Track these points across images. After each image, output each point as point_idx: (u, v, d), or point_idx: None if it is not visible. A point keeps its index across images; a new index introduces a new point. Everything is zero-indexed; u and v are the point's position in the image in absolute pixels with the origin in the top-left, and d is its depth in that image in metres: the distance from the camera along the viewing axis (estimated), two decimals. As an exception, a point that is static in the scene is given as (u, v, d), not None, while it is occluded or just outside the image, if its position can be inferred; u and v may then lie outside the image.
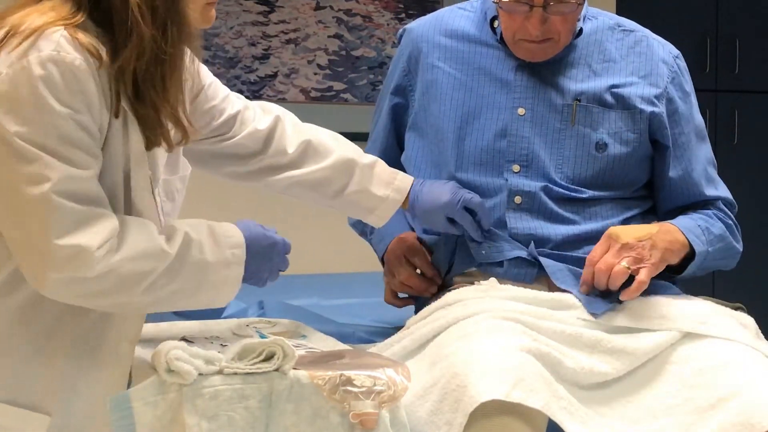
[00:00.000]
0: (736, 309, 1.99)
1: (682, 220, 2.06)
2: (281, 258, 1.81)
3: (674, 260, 2.00)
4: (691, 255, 2.02)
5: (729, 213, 2.13)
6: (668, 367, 1.82)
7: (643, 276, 1.90)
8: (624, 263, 1.91)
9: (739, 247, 2.13)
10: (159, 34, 1.56)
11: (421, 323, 1.89)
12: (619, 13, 4.18)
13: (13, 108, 1.53)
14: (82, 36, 1.56)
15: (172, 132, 1.67)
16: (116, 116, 1.60)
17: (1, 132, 1.53)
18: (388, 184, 2.02)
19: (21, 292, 1.63)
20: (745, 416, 1.69)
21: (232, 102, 1.97)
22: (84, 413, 1.68)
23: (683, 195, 2.11)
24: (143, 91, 1.60)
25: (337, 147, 2.02)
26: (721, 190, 2.15)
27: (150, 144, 1.66)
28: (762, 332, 1.97)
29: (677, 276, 2.06)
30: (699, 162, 2.12)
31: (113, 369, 1.71)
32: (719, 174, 2.19)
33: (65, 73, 1.54)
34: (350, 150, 2.03)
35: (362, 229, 2.27)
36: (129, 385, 1.73)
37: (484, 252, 2.02)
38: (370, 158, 2.04)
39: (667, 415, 1.75)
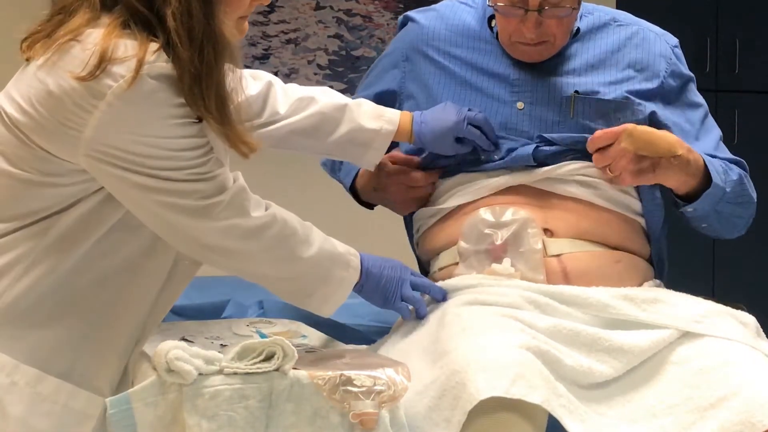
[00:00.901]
0: (736, 309, 1.99)
1: (707, 156, 2.08)
2: (403, 273, 1.92)
3: (677, 185, 2.05)
4: (705, 188, 2.05)
5: (741, 169, 2.15)
6: (668, 367, 1.82)
7: (619, 180, 2.02)
8: (610, 172, 2.02)
9: (754, 195, 2.15)
10: (196, 55, 1.61)
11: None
12: (619, 12, 4.18)
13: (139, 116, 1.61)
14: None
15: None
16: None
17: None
18: (379, 117, 2.08)
19: (84, 273, 1.67)
20: (746, 415, 1.69)
21: None
22: None
23: None
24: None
25: (324, 95, 2.10)
26: (731, 156, 2.16)
27: None
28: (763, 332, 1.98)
29: (686, 206, 2.08)
30: (703, 144, 2.13)
31: (146, 359, 1.75)
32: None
33: (169, 81, 1.62)
34: (337, 96, 2.11)
35: (332, 166, 2.32)
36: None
37: (496, 156, 2.08)
38: (356, 100, 2.12)
39: (667, 414, 1.75)
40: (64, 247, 1.66)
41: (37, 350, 1.66)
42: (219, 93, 1.65)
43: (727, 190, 2.07)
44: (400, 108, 2.19)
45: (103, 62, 1.58)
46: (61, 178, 1.64)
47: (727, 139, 2.20)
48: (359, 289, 1.88)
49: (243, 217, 1.70)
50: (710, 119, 2.19)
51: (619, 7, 4.38)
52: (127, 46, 1.60)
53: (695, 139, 2.12)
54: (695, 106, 2.17)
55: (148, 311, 1.76)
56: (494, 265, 1.97)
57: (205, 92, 1.62)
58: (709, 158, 2.08)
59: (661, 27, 2.24)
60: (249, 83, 2.03)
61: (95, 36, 1.61)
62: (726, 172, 2.08)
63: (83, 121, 1.59)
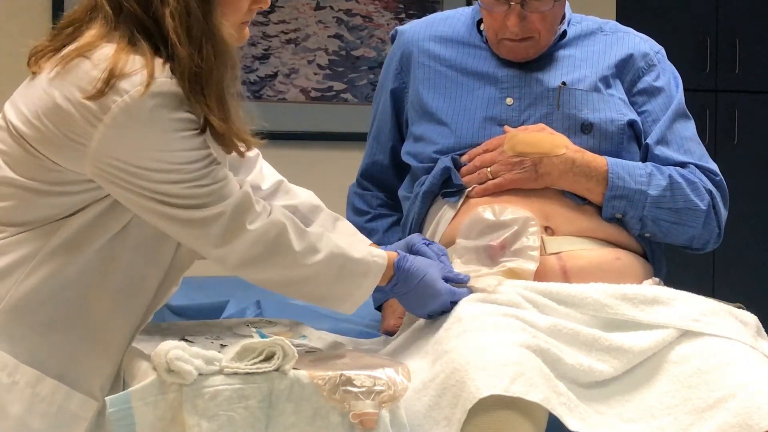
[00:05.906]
0: (737, 309, 1.99)
1: (623, 161, 2.09)
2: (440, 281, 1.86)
3: (570, 186, 2.05)
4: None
5: (700, 175, 2.12)
6: (667, 367, 1.82)
7: (498, 180, 2.05)
8: (491, 175, 2.06)
9: (702, 206, 2.10)
10: (195, 53, 1.62)
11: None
12: (619, 12, 4.18)
13: (140, 130, 1.62)
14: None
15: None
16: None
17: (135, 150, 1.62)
18: (350, 236, 2.02)
19: (88, 276, 1.69)
20: (744, 417, 1.69)
21: None
22: None
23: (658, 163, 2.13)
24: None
25: (305, 193, 2.08)
26: (696, 159, 2.15)
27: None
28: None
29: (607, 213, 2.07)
30: (674, 136, 2.15)
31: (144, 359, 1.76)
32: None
33: (172, 96, 1.63)
34: (317, 199, 2.08)
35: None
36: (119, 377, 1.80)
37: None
38: (334, 213, 2.07)
39: (666, 415, 1.75)
40: (69, 249, 1.68)
41: (36, 351, 1.68)
42: (219, 92, 1.66)
43: (651, 193, 2.06)
44: (406, 115, 2.25)
45: (112, 79, 1.59)
46: (70, 186, 1.67)
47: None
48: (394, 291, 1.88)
49: (241, 228, 1.69)
50: (685, 121, 2.18)
51: (619, 6, 4.40)
52: (135, 62, 1.61)
53: (663, 132, 2.14)
54: (671, 102, 2.18)
55: (143, 316, 1.78)
56: (481, 280, 1.95)
57: (205, 90, 1.64)
58: (625, 162, 2.08)
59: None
60: None
61: (105, 52, 1.63)
62: (651, 175, 2.07)
63: (88, 134, 1.61)
